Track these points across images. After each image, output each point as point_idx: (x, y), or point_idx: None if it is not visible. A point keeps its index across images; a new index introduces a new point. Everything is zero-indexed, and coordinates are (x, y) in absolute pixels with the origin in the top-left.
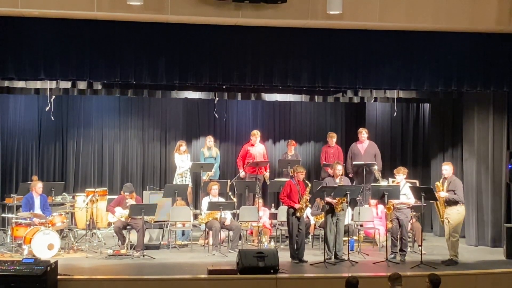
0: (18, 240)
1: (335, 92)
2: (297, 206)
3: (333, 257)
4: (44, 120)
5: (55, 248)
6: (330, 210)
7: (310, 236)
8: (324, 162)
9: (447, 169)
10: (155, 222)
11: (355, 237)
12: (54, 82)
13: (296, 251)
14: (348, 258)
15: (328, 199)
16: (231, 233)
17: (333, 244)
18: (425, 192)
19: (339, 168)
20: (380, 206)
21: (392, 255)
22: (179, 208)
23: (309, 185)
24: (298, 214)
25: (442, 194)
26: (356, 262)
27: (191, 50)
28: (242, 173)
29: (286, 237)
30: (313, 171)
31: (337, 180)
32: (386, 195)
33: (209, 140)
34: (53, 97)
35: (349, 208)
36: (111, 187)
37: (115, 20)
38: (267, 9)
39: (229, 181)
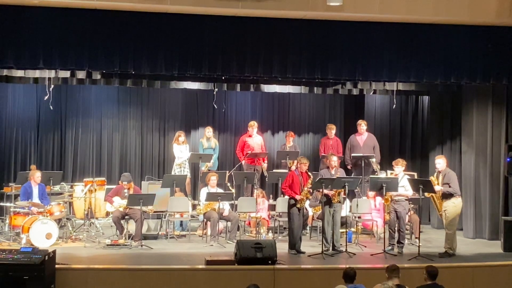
0: (16, 229)
1: (334, 84)
2: (298, 197)
3: (330, 248)
4: (42, 109)
5: (53, 237)
6: (327, 202)
7: (308, 228)
8: (323, 154)
9: (440, 162)
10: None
11: (353, 229)
12: (53, 71)
13: (294, 242)
14: (346, 250)
15: (325, 190)
16: (229, 223)
17: (330, 235)
18: (423, 184)
19: (334, 160)
20: (378, 198)
21: (390, 247)
22: (177, 198)
23: (311, 177)
24: (298, 205)
25: (437, 188)
26: (354, 254)
27: (191, 40)
28: (243, 162)
29: (284, 228)
30: (312, 162)
31: (333, 172)
32: (384, 187)
33: (208, 131)
34: (52, 86)
35: (347, 200)
36: (109, 177)
37: (115, 10)
38: (267, 0)
39: (227, 172)
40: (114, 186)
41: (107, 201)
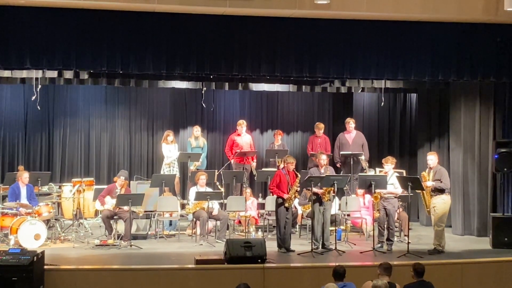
0: (5, 230)
1: (322, 82)
2: (285, 196)
3: (320, 246)
4: (30, 109)
5: (42, 238)
6: (317, 200)
7: (297, 226)
8: (311, 152)
9: (432, 158)
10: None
11: (342, 227)
12: (40, 71)
13: (283, 240)
14: (335, 248)
15: (315, 189)
16: (218, 223)
17: (320, 234)
18: (412, 181)
19: (324, 158)
20: (367, 196)
21: (379, 245)
22: (166, 198)
23: (299, 176)
24: (286, 205)
25: (429, 183)
26: (343, 252)
27: (179, 39)
28: (232, 161)
29: (274, 226)
30: (301, 161)
31: (322, 170)
32: (373, 185)
33: (196, 130)
34: (39, 86)
35: (336, 198)
36: (98, 177)
37: (102, 9)
38: None
39: (216, 171)
40: (102, 186)
41: (100, 201)
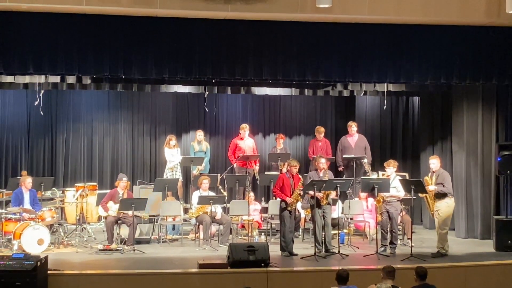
0: (8, 235)
1: (324, 86)
2: (288, 199)
3: (323, 250)
4: (33, 114)
5: (45, 243)
6: (317, 204)
7: (300, 230)
8: (313, 156)
9: (434, 162)
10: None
11: (345, 230)
12: (43, 76)
13: (286, 244)
14: (339, 251)
15: (312, 192)
16: (221, 227)
17: (322, 237)
18: (414, 185)
19: (323, 162)
20: (370, 199)
21: (382, 248)
22: (169, 202)
23: (302, 179)
24: (289, 208)
25: (431, 187)
26: (347, 255)
27: (181, 44)
28: (235, 165)
29: (277, 230)
30: (303, 164)
31: (321, 174)
32: (376, 188)
33: (199, 134)
34: (42, 91)
35: (339, 201)
36: (100, 182)
37: (104, 14)
38: (257, 3)
39: (219, 175)
40: (105, 191)
41: (102, 207)
